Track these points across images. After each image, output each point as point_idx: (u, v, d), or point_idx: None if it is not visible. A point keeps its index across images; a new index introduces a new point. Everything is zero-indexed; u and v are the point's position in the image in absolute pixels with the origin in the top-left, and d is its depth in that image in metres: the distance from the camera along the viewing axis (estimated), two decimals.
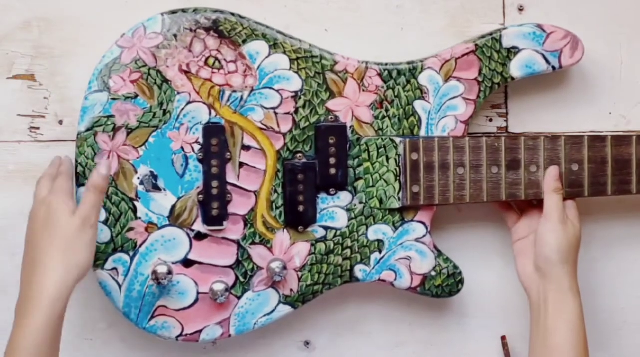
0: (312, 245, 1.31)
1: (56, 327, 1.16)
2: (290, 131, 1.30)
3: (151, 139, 1.28)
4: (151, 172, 1.29)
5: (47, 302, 1.15)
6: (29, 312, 1.16)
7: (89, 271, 1.21)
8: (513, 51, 1.32)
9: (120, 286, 1.29)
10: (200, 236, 1.30)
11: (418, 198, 1.31)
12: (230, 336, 1.31)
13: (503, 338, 1.40)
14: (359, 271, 1.32)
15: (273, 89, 1.30)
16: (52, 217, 1.20)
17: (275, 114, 1.30)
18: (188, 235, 1.30)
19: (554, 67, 1.33)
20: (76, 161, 1.28)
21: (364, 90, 1.31)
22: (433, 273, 1.33)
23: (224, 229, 1.30)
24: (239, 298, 1.30)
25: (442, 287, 1.33)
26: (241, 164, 1.30)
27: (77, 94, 1.31)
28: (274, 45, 1.30)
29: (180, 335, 1.30)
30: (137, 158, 1.29)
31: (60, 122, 1.34)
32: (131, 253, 1.29)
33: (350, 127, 1.31)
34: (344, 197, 1.32)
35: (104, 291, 1.29)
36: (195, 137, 1.29)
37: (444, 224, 1.38)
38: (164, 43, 1.28)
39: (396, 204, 1.31)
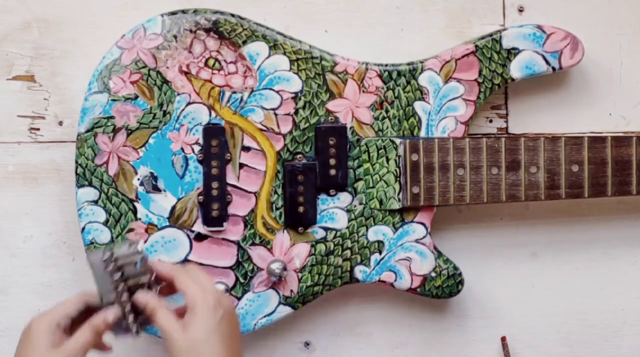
0: (312, 246, 1.31)
1: None
2: (290, 132, 1.30)
3: (151, 140, 1.28)
4: (151, 173, 1.29)
5: None
6: None
7: None
8: (513, 52, 1.32)
9: None
10: (200, 237, 1.30)
11: (418, 199, 1.31)
12: None
13: (503, 338, 1.40)
14: (359, 271, 1.32)
15: (273, 90, 1.30)
16: (28, 348, 1.13)
17: (275, 114, 1.30)
18: (188, 236, 1.30)
19: (554, 68, 1.33)
20: (76, 162, 1.28)
21: (364, 91, 1.31)
22: (433, 274, 1.33)
23: (224, 230, 1.30)
24: (239, 299, 1.30)
25: (442, 288, 1.33)
26: (241, 165, 1.30)
27: (77, 95, 1.31)
28: (274, 46, 1.30)
29: None
30: (137, 159, 1.29)
31: (60, 123, 1.34)
32: None
33: (350, 128, 1.31)
34: (344, 198, 1.32)
35: None
36: (195, 138, 1.29)
37: (444, 225, 1.38)
38: (163, 44, 1.28)
39: (396, 205, 1.31)
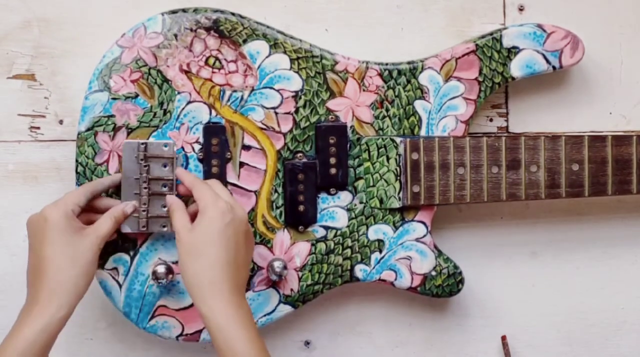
0: (313, 245, 1.31)
1: (47, 341, 1.15)
2: (291, 131, 1.30)
3: (151, 139, 1.28)
4: None
5: (48, 311, 1.15)
6: (29, 317, 1.16)
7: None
8: (513, 51, 1.32)
9: (120, 286, 1.29)
10: None
11: (418, 198, 1.31)
12: None
13: (503, 338, 1.40)
14: (359, 270, 1.32)
15: (273, 89, 1.30)
16: (53, 235, 1.18)
17: (276, 113, 1.30)
18: None
19: (554, 67, 1.33)
20: (76, 161, 1.28)
21: (364, 90, 1.31)
22: (433, 273, 1.33)
23: None
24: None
25: (442, 287, 1.33)
26: (241, 164, 1.30)
27: (78, 93, 1.31)
28: (275, 45, 1.30)
29: (181, 335, 1.30)
30: None
31: (61, 122, 1.34)
32: (131, 253, 1.29)
33: (351, 126, 1.31)
34: (344, 196, 1.32)
35: (103, 290, 1.29)
36: (196, 136, 1.29)
37: (444, 223, 1.38)
38: (164, 43, 1.28)
39: (396, 204, 1.31)
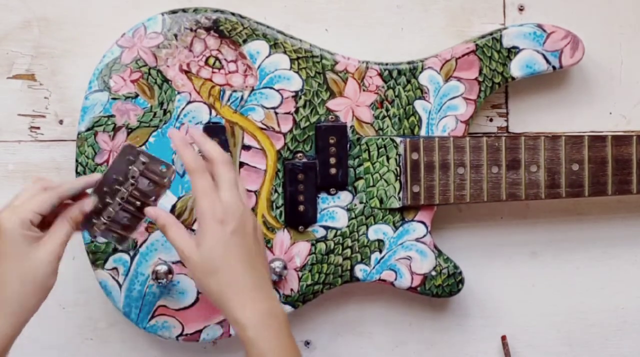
0: (313, 245, 1.31)
1: None
2: (291, 131, 1.30)
3: (151, 139, 1.28)
4: None
5: None
6: None
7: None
8: (513, 51, 1.32)
9: (120, 286, 1.29)
10: None
11: (418, 198, 1.31)
12: (230, 335, 1.31)
13: (503, 338, 1.40)
14: (359, 270, 1.32)
15: (273, 89, 1.30)
16: (3, 246, 1.08)
17: (276, 113, 1.30)
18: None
19: (554, 67, 1.33)
20: (76, 161, 1.28)
21: (364, 90, 1.31)
22: (433, 273, 1.33)
23: None
24: None
25: (443, 287, 1.33)
26: (241, 164, 1.30)
27: (78, 93, 1.31)
28: (275, 45, 1.30)
29: (181, 335, 1.30)
30: None
31: (61, 122, 1.34)
32: (131, 253, 1.29)
33: (351, 126, 1.31)
34: (344, 196, 1.32)
35: (104, 290, 1.29)
36: None
37: (444, 223, 1.38)
38: (164, 43, 1.28)
39: (396, 204, 1.31)
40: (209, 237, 1.11)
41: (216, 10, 1.29)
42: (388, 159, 1.31)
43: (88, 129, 1.28)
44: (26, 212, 1.10)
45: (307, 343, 1.38)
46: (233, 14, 1.29)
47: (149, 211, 1.15)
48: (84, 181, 1.16)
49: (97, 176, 1.16)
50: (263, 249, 1.16)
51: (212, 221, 1.11)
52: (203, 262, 1.11)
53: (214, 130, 1.29)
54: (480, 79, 1.32)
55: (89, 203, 1.15)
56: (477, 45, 1.32)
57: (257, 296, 1.11)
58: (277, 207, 1.31)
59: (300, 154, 1.31)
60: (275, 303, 1.13)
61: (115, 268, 1.28)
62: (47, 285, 1.10)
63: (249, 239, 1.13)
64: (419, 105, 1.32)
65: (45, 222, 1.13)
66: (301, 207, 1.30)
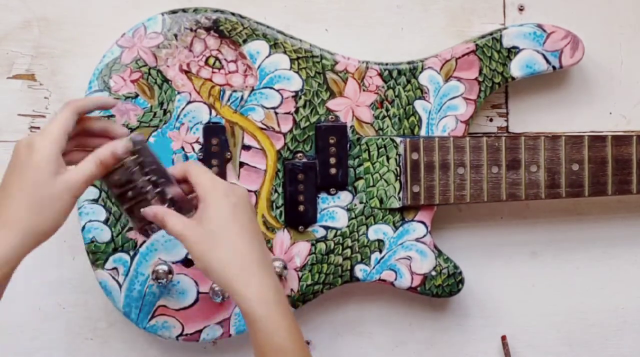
0: (313, 245, 1.31)
1: None
2: (291, 131, 1.30)
3: (151, 139, 1.28)
4: None
5: None
6: None
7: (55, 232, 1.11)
8: (513, 51, 1.32)
9: (120, 286, 1.29)
10: None
11: (418, 198, 1.31)
12: (230, 335, 1.31)
13: (503, 338, 1.40)
14: (359, 270, 1.32)
15: (273, 89, 1.30)
16: (29, 169, 1.07)
17: (276, 113, 1.30)
18: None
19: (554, 67, 1.33)
20: None
21: (364, 90, 1.31)
22: (433, 273, 1.33)
23: None
24: None
25: (442, 287, 1.33)
26: (241, 164, 1.30)
27: (78, 93, 1.31)
28: (274, 45, 1.30)
29: (181, 335, 1.30)
30: None
31: None
32: (131, 253, 1.29)
33: (351, 126, 1.31)
34: (344, 196, 1.32)
35: (104, 290, 1.29)
36: (196, 136, 1.29)
37: (444, 223, 1.38)
38: (164, 43, 1.28)
39: (396, 204, 1.31)
40: (212, 209, 1.10)
41: (216, 10, 1.29)
42: (388, 159, 1.31)
43: None
44: (57, 141, 1.09)
45: (307, 343, 1.38)
46: (233, 14, 1.29)
47: (146, 211, 1.16)
48: (102, 99, 1.17)
49: (112, 100, 1.18)
50: (256, 221, 1.15)
51: (216, 193, 1.11)
52: (204, 237, 1.10)
53: (214, 130, 1.29)
54: (480, 79, 1.32)
55: (121, 144, 1.13)
56: (477, 45, 1.32)
57: (262, 272, 1.10)
58: (277, 207, 1.31)
59: (300, 154, 1.31)
60: (277, 279, 1.12)
61: (115, 268, 1.28)
62: (57, 221, 1.09)
63: (250, 215, 1.13)
64: (419, 105, 1.32)
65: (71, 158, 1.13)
66: (301, 207, 1.30)
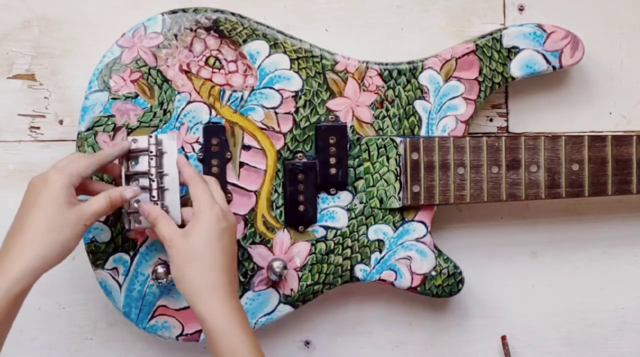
0: (313, 245, 1.31)
1: (8, 309, 1.11)
2: (291, 131, 1.30)
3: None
4: None
5: (6, 284, 1.10)
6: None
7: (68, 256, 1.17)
8: (513, 51, 1.32)
9: (120, 286, 1.29)
10: None
11: (418, 198, 1.31)
12: None
13: (503, 338, 1.40)
14: (359, 270, 1.32)
15: (273, 89, 1.30)
16: (45, 198, 1.15)
17: (276, 113, 1.30)
18: None
19: (554, 67, 1.33)
20: None
21: (364, 90, 1.31)
22: (433, 273, 1.33)
23: None
24: (239, 298, 1.30)
25: (442, 287, 1.33)
26: (241, 164, 1.30)
27: (78, 93, 1.31)
28: (275, 45, 1.30)
29: (181, 335, 1.30)
30: None
31: (61, 122, 1.34)
32: (131, 253, 1.29)
33: (351, 126, 1.31)
34: (344, 196, 1.32)
35: (104, 290, 1.29)
36: (196, 136, 1.29)
37: (444, 223, 1.38)
38: (164, 43, 1.28)
39: (396, 204, 1.31)
40: (201, 227, 1.17)
41: (216, 10, 1.29)
42: (388, 159, 1.31)
43: (88, 129, 1.28)
44: (70, 175, 1.16)
45: (307, 343, 1.38)
46: (233, 14, 1.29)
47: (142, 206, 1.22)
48: (120, 147, 1.22)
49: (127, 143, 1.23)
50: (237, 253, 1.22)
51: (210, 215, 1.17)
52: (188, 249, 1.16)
53: (214, 130, 1.29)
54: (480, 79, 1.32)
55: (129, 190, 1.20)
56: (477, 45, 1.32)
57: (226, 296, 1.16)
58: (277, 207, 1.31)
59: (300, 154, 1.31)
60: (242, 306, 1.18)
61: (115, 268, 1.28)
62: (68, 246, 1.15)
63: (234, 244, 1.20)
64: (419, 105, 1.32)
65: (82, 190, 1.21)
66: (301, 207, 1.30)
